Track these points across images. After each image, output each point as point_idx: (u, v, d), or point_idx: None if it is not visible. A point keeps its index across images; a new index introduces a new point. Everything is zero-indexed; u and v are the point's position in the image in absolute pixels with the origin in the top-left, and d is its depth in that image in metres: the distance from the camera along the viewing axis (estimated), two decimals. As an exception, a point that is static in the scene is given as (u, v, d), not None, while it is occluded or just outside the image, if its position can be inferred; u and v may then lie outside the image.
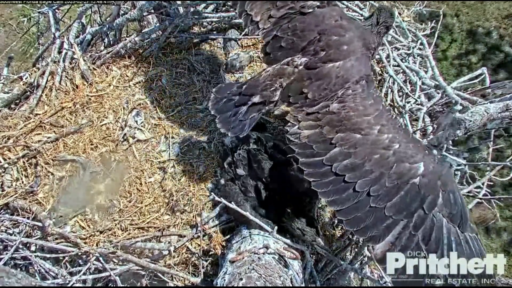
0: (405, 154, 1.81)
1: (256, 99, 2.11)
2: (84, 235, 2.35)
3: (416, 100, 2.92)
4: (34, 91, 2.86)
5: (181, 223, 2.41)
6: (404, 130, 1.94)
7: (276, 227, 2.13)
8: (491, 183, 2.66)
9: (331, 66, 2.07)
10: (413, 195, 1.73)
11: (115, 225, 2.41)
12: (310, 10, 2.21)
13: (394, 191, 1.74)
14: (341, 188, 1.77)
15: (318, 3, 2.23)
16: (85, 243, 2.30)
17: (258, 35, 2.31)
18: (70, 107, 2.82)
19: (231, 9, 3.33)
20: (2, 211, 2.45)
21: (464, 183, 2.68)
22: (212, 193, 2.25)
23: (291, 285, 1.92)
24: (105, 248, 2.25)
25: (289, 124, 2.02)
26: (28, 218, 2.35)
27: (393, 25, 2.34)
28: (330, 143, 1.88)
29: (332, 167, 1.81)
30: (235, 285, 1.80)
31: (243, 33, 3.31)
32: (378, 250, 1.72)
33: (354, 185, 1.76)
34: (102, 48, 3.31)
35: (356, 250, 2.54)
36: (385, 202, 1.73)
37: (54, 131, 2.71)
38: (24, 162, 2.57)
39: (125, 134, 2.72)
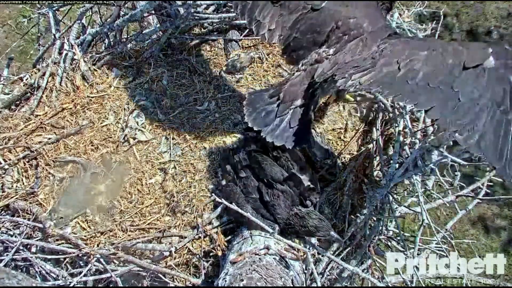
0: (474, 45, 1.86)
1: (298, 102, 2.11)
2: (85, 236, 2.35)
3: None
4: (35, 92, 2.86)
5: (182, 224, 2.41)
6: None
7: (277, 228, 2.13)
8: (491, 183, 2.66)
9: (357, 40, 2.11)
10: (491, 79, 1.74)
11: (116, 226, 2.40)
12: (323, 5, 2.23)
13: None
14: (431, 93, 1.76)
15: None
16: (86, 244, 2.30)
17: (274, 42, 2.31)
18: (70, 108, 2.82)
19: (232, 10, 3.32)
20: (2, 212, 2.45)
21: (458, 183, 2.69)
22: (213, 194, 2.25)
23: (292, 286, 1.93)
24: (106, 249, 2.25)
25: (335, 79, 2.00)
26: (28, 219, 2.35)
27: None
28: (398, 68, 1.86)
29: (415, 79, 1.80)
30: (236, 286, 1.80)
31: (243, 34, 3.31)
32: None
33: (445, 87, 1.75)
34: (102, 49, 3.31)
35: (357, 250, 2.54)
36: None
37: (55, 132, 2.71)
38: (24, 163, 2.57)
39: (125, 135, 2.72)
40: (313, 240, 2.26)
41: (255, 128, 2.10)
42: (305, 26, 2.24)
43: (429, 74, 1.81)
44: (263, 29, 2.28)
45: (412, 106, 1.83)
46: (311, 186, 2.26)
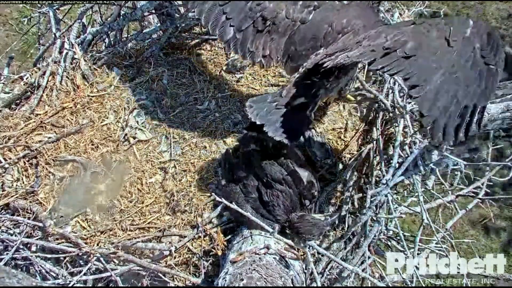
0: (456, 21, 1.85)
1: (298, 101, 2.12)
2: (85, 235, 2.35)
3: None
4: (35, 91, 2.86)
5: (182, 223, 2.41)
6: None
7: (277, 227, 2.13)
8: (491, 183, 2.66)
9: (349, 33, 2.13)
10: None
11: (116, 225, 2.40)
12: (310, 17, 2.24)
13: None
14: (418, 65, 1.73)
15: (312, 6, 2.25)
16: (85, 243, 2.30)
17: (272, 66, 2.32)
18: (71, 107, 2.82)
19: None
20: (2, 211, 2.45)
21: (460, 183, 2.69)
22: (213, 194, 2.25)
23: (292, 285, 1.93)
24: (106, 248, 2.26)
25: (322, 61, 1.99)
26: (28, 218, 2.35)
27: None
28: (386, 39, 1.83)
29: (398, 51, 1.76)
30: (236, 285, 1.80)
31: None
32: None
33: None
34: (103, 48, 3.31)
35: (357, 250, 2.54)
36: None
37: (55, 131, 2.71)
38: (24, 162, 2.57)
39: (126, 134, 2.73)
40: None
41: (257, 122, 2.05)
42: (299, 38, 2.24)
43: (415, 48, 1.77)
44: (258, 58, 2.28)
45: (400, 78, 1.80)
46: (310, 184, 2.26)
